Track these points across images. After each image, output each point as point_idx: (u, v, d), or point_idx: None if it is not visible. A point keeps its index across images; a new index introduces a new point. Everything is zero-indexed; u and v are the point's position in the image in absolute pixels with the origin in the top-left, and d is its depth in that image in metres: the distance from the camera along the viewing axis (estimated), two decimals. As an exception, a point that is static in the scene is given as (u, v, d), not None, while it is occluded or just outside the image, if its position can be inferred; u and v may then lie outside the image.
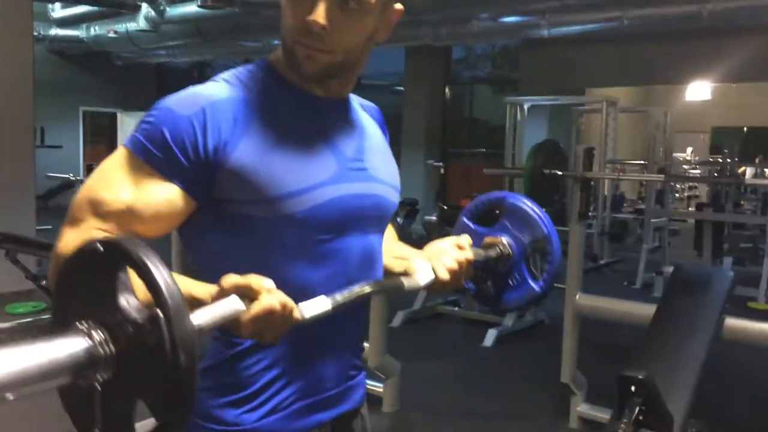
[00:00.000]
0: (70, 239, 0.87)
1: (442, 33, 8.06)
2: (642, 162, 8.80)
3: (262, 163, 0.93)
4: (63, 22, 9.67)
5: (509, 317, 4.76)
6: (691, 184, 11.18)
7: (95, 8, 8.56)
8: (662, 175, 6.81)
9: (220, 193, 0.93)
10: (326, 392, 1.05)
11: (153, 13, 8.60)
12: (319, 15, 0.91)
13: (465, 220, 1.29)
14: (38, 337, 0.64)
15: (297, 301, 0.90)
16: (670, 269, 6.00)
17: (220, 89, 0.96)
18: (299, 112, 1.00)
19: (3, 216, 4.87)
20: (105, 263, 0.69)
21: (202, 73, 13.39)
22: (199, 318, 0.73)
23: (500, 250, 1.20)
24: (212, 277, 0.83)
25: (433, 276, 1.04)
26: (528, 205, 1.23)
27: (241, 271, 0.81)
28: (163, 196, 0.91)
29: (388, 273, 1.13)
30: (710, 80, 9.47)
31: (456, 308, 5.29)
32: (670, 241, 7.30)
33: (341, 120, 1.06)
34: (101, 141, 12.95)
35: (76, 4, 8.74)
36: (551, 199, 4.76)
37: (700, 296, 2.75)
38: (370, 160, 1.07)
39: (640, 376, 1.96)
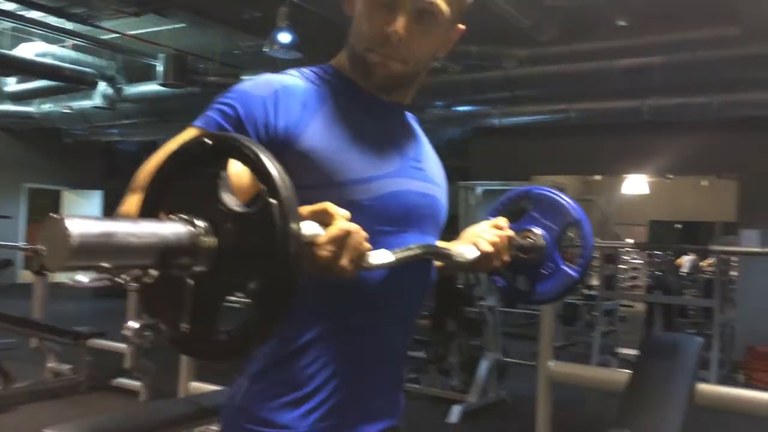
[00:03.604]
0: (132, 202, 0.88)
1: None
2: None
3: (330, 149, 0.95)
4: (16, 97, 9.55)
5: (473, 394, 4.72)
6: (632, 274, 11.54)
7: (50, 83, 8.51)
8: (631, 241, 7.02)
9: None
10: (376, 402, 1.03)
11: (111, 90, 8.62)
12: (400, 26, 0.96)
13: (491, 218, 1.26)
14: (144, 220, 0.65)
15: (356, 292, 0.92)
16: (623, 350, 6.15)
17: (291, 78, 1.00)
18: (363, 109, 1.03)
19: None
20: (210, 158, 0.69)
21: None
22: None
23: (533, 240, 1.20)
24: None
25: (477, 252, 1.04)
26: (555, 193, 1.23)
27: None
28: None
29: None
30: (648, 173, 9.99)
31: (417, 385, 5.21)
32: (619, 325, 7.46)
33: (401, 124, 1.10)
34: (42, 219, 12.56)
35: (33, 79, 8.68)
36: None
37: (672, 361, 2.81)
38: (424, 162, 1.10)
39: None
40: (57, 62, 7.94)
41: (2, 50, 7.27)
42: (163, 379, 4.06)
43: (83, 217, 0.58)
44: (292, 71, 1.03)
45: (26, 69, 7.92)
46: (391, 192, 0.99)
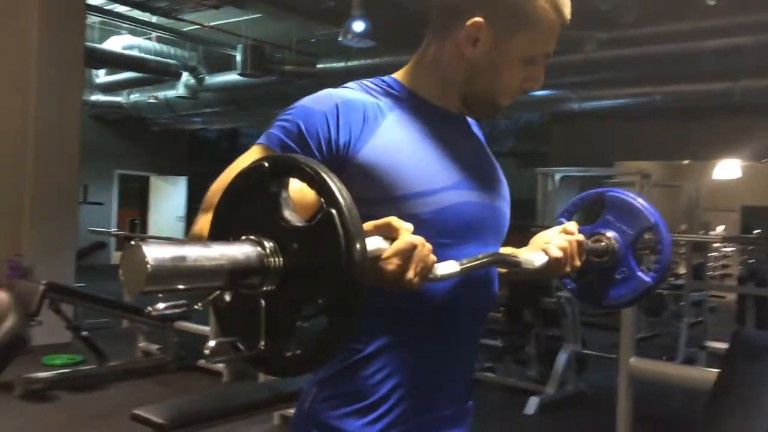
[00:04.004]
0: (203, 222, 0.90)
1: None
2: (677, 236, 8.70)
3: (389, 163, 0.95)
4: (106, 88, 10.01)
5: (551, 385, 4.63)
6: (723, 262, 11.01)
7: (137, 75, 8.88)
8: (721, 228, 6.70)
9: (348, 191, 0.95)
10: (443, 410, 1.03)
11: (193, 80, 8.89)
12: (542, 79, 1.04)
13: (563, 220, 1.24)
14: (215, 243, 0.66)
15: (418, 306, 0.93)
16: (713, 344, 5.89)
17: (351, 92, 1.00)
18: (426, 122, 1.03)
19: (46, 269, 4.92)
20: (269, 179, 0.71)
21: (231, 141, 13.71)
22: None
23: (605, 244, 1.17)
24: None
25: (545, 258, 1.03)
26: (631, 197, 1.19)
27: None
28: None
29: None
30: (740, 157, 9.50)
31: (493, 375, 5.17)
32: (708, 317, 7.15)
33: (463, 134, 1.10)
34: (134, 203, 13.17)
35: (120, 71, 9.08)
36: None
37: (765, 363, 2.66)
38: (486, 173, 1.09)
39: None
40: (142, 54, 8.25)
41: (92, 44, 7.60)
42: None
43: (158, 243, 0.61)
44: (352, 84, 1.03)
45: (114, 61, 8.27)
46: (452, 205, 0.98)
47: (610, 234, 1.18)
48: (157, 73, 8.52)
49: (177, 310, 0.69)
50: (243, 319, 0.70)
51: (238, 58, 7.67)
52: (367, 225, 0.81)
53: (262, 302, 0.69)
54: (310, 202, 0.93)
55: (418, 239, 0.81)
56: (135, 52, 8.23)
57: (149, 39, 8.52)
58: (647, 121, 7.97)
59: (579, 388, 4.85)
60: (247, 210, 0.73)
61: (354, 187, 0.93)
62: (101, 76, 9.69)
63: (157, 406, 2.66)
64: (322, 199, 0.68)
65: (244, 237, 0.69)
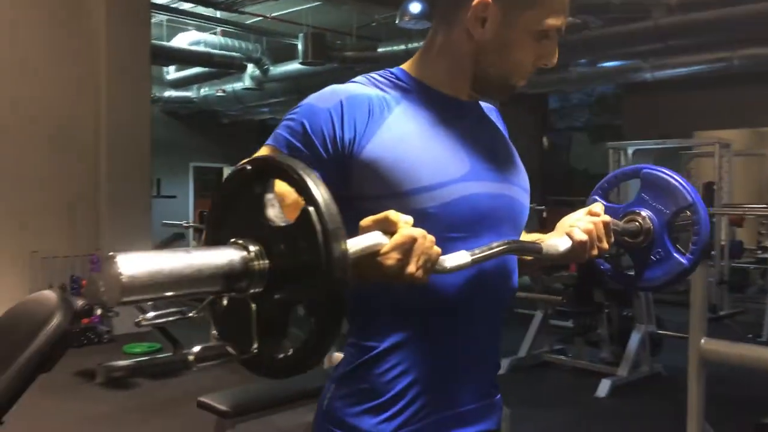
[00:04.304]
0: None
1: (538, 80, 8.02)
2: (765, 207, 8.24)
3: (395, 157, 0.93)
4: (176, 84, 10.32)
5: (623, 367, 4.50)
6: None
7: (206, 69, 9.11)
8: None
9: (354, 188, 0.94)
10: (463, 406, 1.00)
11: (258, 72, 9.04)
12: (557, 56, 1.01)
13: (597, 198, 1.20)
14: (199, 249, 0.67)
15: (434, 296, 0.91)
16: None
17: (357, 86, 0.98)
18: (435, 111, 1.00)
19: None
20: (253, 181, 0.71)
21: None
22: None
23: (639, 224, 1.12)
24: None
25: (569, 242, 1.00)
26: (668, 174, 1.14)
27: None
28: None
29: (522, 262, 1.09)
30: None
31: (564, 357, 5.07)
32: (796, 292, 6.78)
33: (476, 122, 1.06)
34: (209, 195, 13.59)
35: (189, 67, 9.33)
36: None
37: None
38: (502, 161, 1.05)
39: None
40: (208, 49, 8.45)
41: (158, 42, 7.83)
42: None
43: (135, 254, 0.61)
44: (361, 78, 1.02)
45: (181, 58, 8.51)
46: (461, 197, 0.95)
47: (645, 213, 1.13)
48: (222, 67, 8.71)
49: (168, 319, 0.70)
50: (237, 322, 0.70)
51: (300, 47, 7.74)
52: (366, 220, 0.80)
53: (253, 305, 0.69)
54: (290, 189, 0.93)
55: (419, 232, 0.79)
56: (201, 48, 8.44)
57: (214, 34, 8.71)
58: (725, 88, 7.56)
59: (654, 369, 4.69)
60: (235, 213, 0.73)
61: (361, 183, 0.93)
62: (171, 73, 9.99)
63: (221, 394, 2.74)
64: (302, 198, 0.67)
65: (232, 240, 0.69)
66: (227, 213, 0.74)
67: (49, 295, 1.57)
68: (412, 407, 0.96)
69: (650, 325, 4.73)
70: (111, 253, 0.60)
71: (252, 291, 0.68)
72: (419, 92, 1.01)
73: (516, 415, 3.26)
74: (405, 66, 1.04)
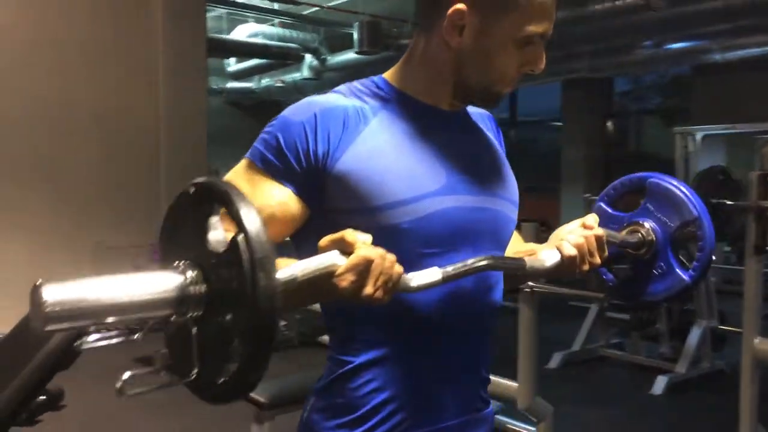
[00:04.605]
0: None
1: (601, 64, 7.75)
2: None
3: (368, 171, 0.91)
4: (237, 76, 10.51)
5: (681, 364, 4.33)
6: None
7: (264, 61, 9.24)
8: None
9: (328, 202, 0.93)
10: (445, 422, 0.97)
11: (316, 62, 9.10)
12: (544, 62, 0.97)
13: (602, 205, 1.15)
14: (139, 273, 0.67)
15: (405, 317, 0.89)
16: None
17: (334, 98, 0.96)
18: (414, 122, 0.97)
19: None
20: (197, 203, 0.70)
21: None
22: (297, 268, 0.74)
23: (641, 236, 1.07)
24: None
25: (558, 256, 0.95)
26: (674, 185, 1.08)
27: None
28: (278, 199, 0.92)
29: None
30: None
31: (620, 352, 4.92)
32: None
33: (459, 132, 1.02)
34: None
35: (247, 59, 9.49)
36: (722, 234, 4.31)
37: None
38: (485, 173, 1.02)
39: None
40: (265, 41, 8.56)
41: (217, 35, 7.98)
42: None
43: (63, 283, 0.61)
44: (341, 88, 1.00)
45: (239, 50, 8.65)
46: (435, 212, 0.93)
47: (648, 225, 1.08)
48: (279, 58, 8.81)
49: (111, 341, 0.70)
50: (181, 345, 0.70)
51: (356, 36, 7.74)
52: (324, 240, 0.79)
53: (193, 329, 0.68)
54: (293, 214, 0.92)
55: (376, 252, 0.77)
56: (258, 39, 8.55)
57: (273, 25, 8.82)
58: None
59: (716, 366, 4.49)
60: (180, 235, 0.73)
61: (334, 197, 0.92)
62: (232, 65, 10.18)
63: (261, 385, 2.78)
64: (235, 225, 0.66)
65: (174, 264, 0.69)
66: (174, 234, 0.74)
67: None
68: (389, 422, 0.94)
69: (712, 320, 4.53)
70: (39, 282, 0.61)
71: (191, 315, 0.68)
72: (399, 102, 0.98)
73: (564, 412, 3.19)
74: (387, 74, 1.02)
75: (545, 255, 0.96)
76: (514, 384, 2.93)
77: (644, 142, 11.69)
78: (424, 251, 0.92)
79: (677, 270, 1.06)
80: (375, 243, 0.90)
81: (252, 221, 0.65)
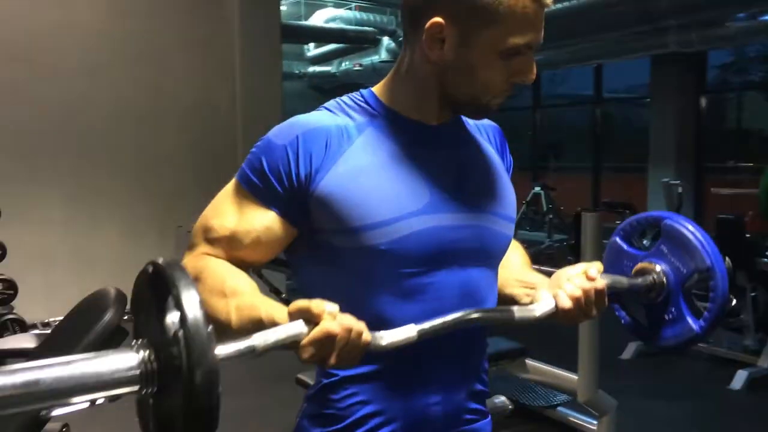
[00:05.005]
0: (186, 263, 0.94)
1: (692, 38, 7.33)
2: None
3: (349, 193, 0.91)
4: (317, 60, 10.66)
5: (764, 358, 4.09)
6: None
7: (341, 45, 9.31)
8: None
9: (314, 222, 0.93)
10: None
11: (393, 44, 9.09)
12: (534, 72, 0.93)
13: (618, 240, 1.11)
14: (100, 352, 0.70)
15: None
16: None
17: (318, 117, 0.96)
18: (399, 139, 0.96)
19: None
20: (154, 284, 0.72)
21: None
22: (258, 339, 0.74)
23: (653, 279, 1.02)
24: None
25: (552, 305, 0.92)
26: (689, 230, 1.02)
27: (334, 302, 0.82)
28: (262, 223, 0.94)
29: (513, 302, 1.02)
30: None
31: (701, 343, 4.69)
32: None
33: (447, 147, 1.00)
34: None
35: (324, 43, 9.59)
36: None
37: None
38: (476, 189, 0.99)
39: None
40: (341, 26, 8.61)
41: (294, 21, 8.10)
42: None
43: (14, 366, 0.64)
44: (330, 103, 1.00)
45: (316, 35, 8.75)
46: (416, 231, 0.91)
47: (660, 267, 1.03)
48: (356, 42, 8.86)
49: (80, 407, 0.74)
50: (146, 417, 0.73)
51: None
52: (292, 306, 0.79)
53: (150, 401, 0.71)
54: (278, 237, 0.93)
55: (340, 326, 0.77)
56: (336, 24, 8.62)
57: (350, 9, 8.86)
58: None
59: (803, 361, 4.21)
60: (143, 311, 0.75)
61: (318, 218, 0.93)
62: (312, 50, 10.33)
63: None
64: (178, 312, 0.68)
65: (133, 342, 0.71)
66: (139, 309, 0.76)
67: (106, 291, 1.69)
68: None
69: (802, 311, 4.25)
70: None
71: (147, 391, 0.70)
72: (386, 118, 0.97)
73: (633, 406, 3.10)
74: (377, 88, 1.01)
75: (539, 303, 0.93)
76: (574, 376, 2.86)
77: (745, 118, 11.01)
78: (405, 271, 0.91)
79: (687, 318, 1.02)
80: (357, 265, 0.92)
81: (191, 306, 0.66)
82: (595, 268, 0.97)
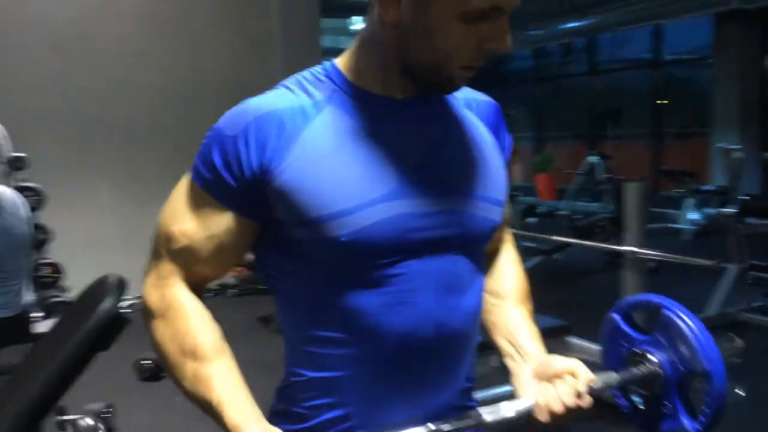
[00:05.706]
0: (150, 284, 0.91)
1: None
2: None
3: (306, 180, 0.82)
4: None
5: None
6: None
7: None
8: None
9: (274, 213, 0.86)
10: None
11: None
12: (509, 39, 0.82)
13: (616, 317, 1.02)
14: None
15: (357, 329, 0.84)
16: None
17: (273, 99, 0.87)
18: (362, 117, 0.86)
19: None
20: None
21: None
22: None
23: (647, 370, 0.94)
24: (278, 301, 0.90)
25: (529, 408, 0.88)
26: (688, 326, 0.92)
27: (299, 297, 0.87)
28: (222, 227, 0.88)
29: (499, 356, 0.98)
30: None
31: (764, 317, 4.44)
32: None
33: (418, 123, 0.89)
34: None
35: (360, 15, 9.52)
36: None
37: None
38: (451, 169, 0.89)
39: None
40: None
41: None
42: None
43: None
44: (289, 80, 0.90)
45: (359, 8, 8.61)
46: (379, 220, 0.83)
47: (657, 359, 0.95)
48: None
49: None
50: None
51: None
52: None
53: None
54: (242, 237, 0.87)
55: None
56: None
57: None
58: None
59: None
60: None
61: (277, 208, 0.85)
62: (355, 24, 10.28)
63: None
64: None
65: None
66: None
67: (106, 278, 1.65)
68: None
69: None
70: None
71: None
72: (346, 93, 0.87)
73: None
74: (339, 60, 0.90)
75: (514, 404, 0.88)
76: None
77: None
78: (372, 262, 0.84)
79: (681, 417, 0.94)
80: (319, 257, 0.85)
81: None
82: (583, 380, 0.88)
